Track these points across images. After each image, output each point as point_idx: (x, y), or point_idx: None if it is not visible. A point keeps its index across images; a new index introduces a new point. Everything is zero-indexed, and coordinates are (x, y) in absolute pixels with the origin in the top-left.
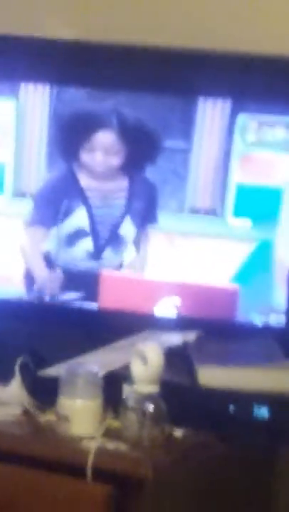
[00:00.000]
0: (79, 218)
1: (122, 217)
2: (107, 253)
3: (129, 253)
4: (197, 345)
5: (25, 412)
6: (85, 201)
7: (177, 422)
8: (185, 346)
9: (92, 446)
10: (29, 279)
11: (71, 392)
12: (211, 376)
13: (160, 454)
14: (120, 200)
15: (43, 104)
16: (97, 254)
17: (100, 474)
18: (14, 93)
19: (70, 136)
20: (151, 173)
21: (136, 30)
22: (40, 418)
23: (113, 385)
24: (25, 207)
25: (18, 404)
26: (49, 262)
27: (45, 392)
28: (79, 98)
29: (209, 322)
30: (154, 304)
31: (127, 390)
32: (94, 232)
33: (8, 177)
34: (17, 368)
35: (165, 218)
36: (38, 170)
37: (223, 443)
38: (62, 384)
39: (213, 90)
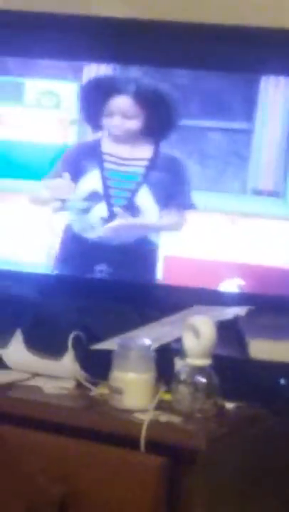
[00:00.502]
0: (92, 180)
1: (139, 185)
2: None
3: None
4: (248, 320)
5: (78, 386)
6: (100, 163)
7: (229, 395)
8: (236, 320)
9: (145, 418)
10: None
11: (124, 366)
12: (263, 349)
13: (212, 426)
14: (138, 169)
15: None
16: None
17: (153, 446)
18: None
19: (92, 101)
20: (182, 151)
21: (192, 8)
22: (93, 392)
23: (165, 358)
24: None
25: (71, 378)
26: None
27: (97, 366)
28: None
29: (263, 298)
30: (211, 281)
31: (179, 364)
32: (107, 197)
33: None
34: (70, 343)
35: (227, 199)
36: None
37: (274, 416)
38: (115, 358)
39: (276, 68)
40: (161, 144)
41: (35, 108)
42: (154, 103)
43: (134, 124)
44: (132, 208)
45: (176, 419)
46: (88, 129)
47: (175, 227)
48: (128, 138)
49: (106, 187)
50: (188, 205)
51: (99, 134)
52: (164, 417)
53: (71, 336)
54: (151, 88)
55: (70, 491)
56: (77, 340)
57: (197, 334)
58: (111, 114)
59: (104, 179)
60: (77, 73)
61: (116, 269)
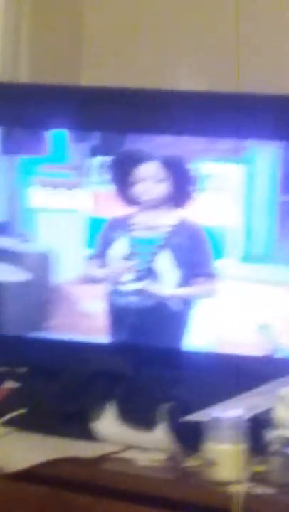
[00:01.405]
0: (120, 247)
1: (159, 250)
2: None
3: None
4: None
5: (171, 458)
6: (128, 232)
7: None
8: None
9: (239, 490)
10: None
11: (217, 437)
12: None
13: None
14: (161, 234)
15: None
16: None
17: None
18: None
19: (123, 172)
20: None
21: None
22: (186, 463)
23: (257, 429)
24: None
25: (164, 450)
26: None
27: (189, 438)
28: None
29: None
30: None
31: (271, 434)
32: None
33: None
34: (162, 414)
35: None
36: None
37: None
38: (207, 429)
39: None
40: (185, 211)
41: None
42: (179, 168)
43: (164, 187)
44: (150, 274)
45: (270, 491)
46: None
47: (207, 294)
48: (156, 204)
49: (132, 253)
50: (215, 273)
51: (130, 209)
52: (258, 489)
53: (163, 408)
54: (175, 154)
55: None
56: (169, 412)
57: None
58: (142, 180)
59: (131, 245)
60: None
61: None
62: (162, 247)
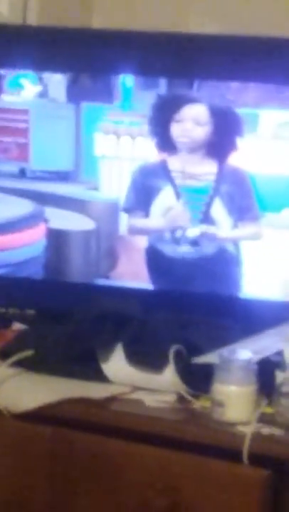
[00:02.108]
0: (167, 197)
1: (211, 199)
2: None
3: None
4: None
5: (180, 399)
6: (171, 180)
7: None
8: None
9: (247, 431)
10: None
11: (226, 379)
12: None
13: None
14: (208, 183)
15: None
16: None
17: (256, 459)
18: None
19: (163, 113)
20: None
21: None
22: (195, 404)
23: (267, 371)
24: None
25: (173, 392)
26: None
27: (198, 380)
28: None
29: None
30: None
31: (280, 376)
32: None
33: None
34: (171, 356)
35: None
36: None
37: None
38: (216, 370)
39: None
40: (227, 157)
41: (272, 139)
42: (224, 114)
43: (204, 131)
44: (207, 221)
45: (278, 432)
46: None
47: (253, 237)
48: (195, 150)
49: (182, 203)
50: (259, 216)
51: (164, 155)
52: (266, 430)
53: (172, 350)
54: (222, 100)
55: (174, 503)
56: (178, 354)
57: None
58: (182, 120)
59: (177, 195)
60: None
61: (196, 281)
62: (213, 196)
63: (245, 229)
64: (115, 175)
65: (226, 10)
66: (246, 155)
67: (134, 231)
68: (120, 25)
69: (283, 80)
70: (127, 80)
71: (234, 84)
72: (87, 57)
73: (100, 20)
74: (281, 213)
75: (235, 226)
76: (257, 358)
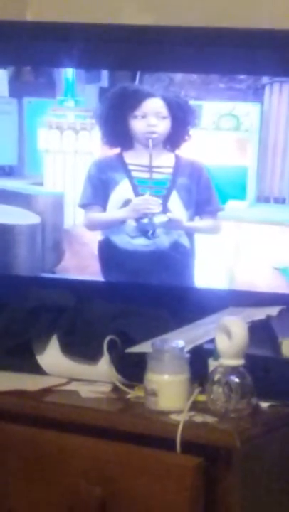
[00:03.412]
0: (123, 189)
1: (169, 191)
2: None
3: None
4: (280, 319)
5: (115, 389)
6: (127, 173)
7: (263, 395)
8: (268, 320)
9: (180, 419)
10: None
11: (158, 368)
12: None
13: (247, 426)
14: (165, 175)
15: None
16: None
17: (189, 447)
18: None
19: (120, 108)
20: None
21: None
22: (129, 394)
23: (199, 359)
24: (268, 212)
25: (108, 382)
26: None
27: (133, 369)
28: None
29: None
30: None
31: (212, 365)
32: None
33: (250, 182)
34: (105, 346)
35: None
36: (282, 174)
37: None
38: (149, 360)
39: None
40: (181, 149)
41: (214, 131)
42: (179, 107)
43: (167, 124)
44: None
45: (211, 420)
46: (268, 148)
47: (211, 231)
48: (153, 144)
49: (137, 194)
50: (219, 209)
51: (117, 150)
52: (199, 418)
53: (106, 340)
54: (176, 93)
55: (110, 493)
56: (112, 344)
57: (229, 335)
58: (145, 116)
59: (134, 187)
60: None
61: (150, 274)
62: (170, 189)
63: (204, 222)
64: (59, 169)
65: (159, 1)
66: (193, 147)
67: (92, 226)
68: (53, 18)
69: (224, 71)
70: (68, 73)
71: (177, 77)
72: (28, 51)
73: (33, 13)
74: (226, 205)
75: (190, 219)
76: (189, 346)
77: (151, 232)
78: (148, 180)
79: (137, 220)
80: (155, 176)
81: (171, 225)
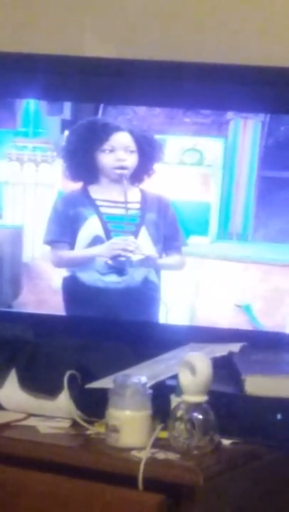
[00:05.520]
0: (92, 226)
1: (138, 227)
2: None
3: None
4: (242, 356)
5: (74, 425)
6: (95, 208)
7: (225, 432)
8: (230, 357)
9: (142, 456)
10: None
11: (120, 404)
12: (258, 385)
13: (209, 463)
14: (134, 211)
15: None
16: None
17: (151, 484)
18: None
19: (87, 142)
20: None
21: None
22: (89, 430)
23: (161, 395)
24: (230, 249)
25: (67, 418)
26: None
27: (93, 405)
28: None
29: (256, 334)
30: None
31: (175, 401)
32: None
33: (213, 217)
34: (65, 381)
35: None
36: (246, 210)
37: (271, 452)
38: (110, 396)
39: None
40: (145, 184)
41: (177, 165)
42: (146, 141)
43: (134, 159)
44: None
45: (173, 457)
46: (231, 184)
47: (177, 266)
48: (119, 179)
49: (107, 230)
50: (184, 244)
51: (79, 183)
52: (161, 455)
53: (66, 375)
54: (141, 127)
55: None
56: (72, 379)
57: (193, 371)
58: (114, 150)
59: (104, 223)
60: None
61: (118, 310)
62: (139, 224)
63: (172, 258)
64: (19, 201)
65: (120, 34)
66: (156, 181)
67: (61, 263)
68: (15, 48)
69: (188, 105)
70: (30, 104)
71: (141, 110)
72: None
73: None
74: (188, 241)
75: (160, 256)
76: (152, 382)
77: (126, 269)
78: (118, 217)
79: (113, 258)
80: (125, 211)
81: (147, 262)
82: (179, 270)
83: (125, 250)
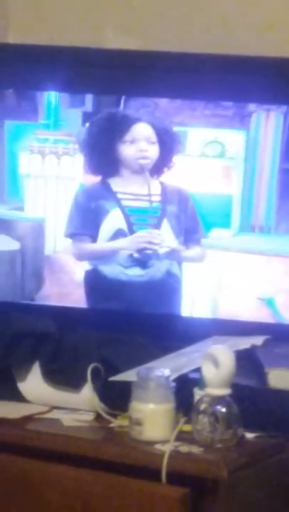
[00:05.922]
0: (115, 219)
1: (160, 220)
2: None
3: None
4: (265, 349)
5: (98, 418)
6: (117, 201)
7: (249, 425)
8: (253, 350)
9: (166, 449)
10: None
11: (143, 397)
12: (282, 378)
13: (233, 456)
14: (155, 204)
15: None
16: (140, 260)
17: (175, 477)
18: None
19: (107, 133)
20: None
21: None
22: (113, 423)
23: (185, 388)
24: (253, 242)
25: (91, 410)
26: None
27: (116, 398)
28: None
29: (279, 327)
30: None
31: (198, 394)
32: (132, 233)
33: (235, 210)
34: (89, 374)
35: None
36: (268, 203)
37: None
38: (134, 389)
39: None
40: (164, 176)
41: (199, 157)
42: (166, 132)
43: (156, 150)
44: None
45: (196, 450)
46: (254, 176)
47: (198, 259)
48: (140, 172)
49: (130, 224)
50: (204, 236)
51: (99, 176)
52: (184, 448)
53: (90, 368)
54: (162, 119)
55: None
56: (95, 372)
57: (216, 364)
58: (135, 141)
59: (126, 216)
60: (244, 121)
61: (141, 303)
62: (161, 217)
63: (193, 250)
64: (40, 194)
65: (141, 26)
66: (177, 174)
67: (83, 256)
68: (36, 40)
69: (210, 97)
70: (52, 97)
71: (162, 102)
72: (10, 74)
73: (16, 37)
74: (210, 233)
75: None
76: (175, 375)
77: (149, 262)
78: (140, 209)
79: (139, 251)
80: (147, 204)
81: (172, 255)
82: (199, 262)
83: (151, 243)
